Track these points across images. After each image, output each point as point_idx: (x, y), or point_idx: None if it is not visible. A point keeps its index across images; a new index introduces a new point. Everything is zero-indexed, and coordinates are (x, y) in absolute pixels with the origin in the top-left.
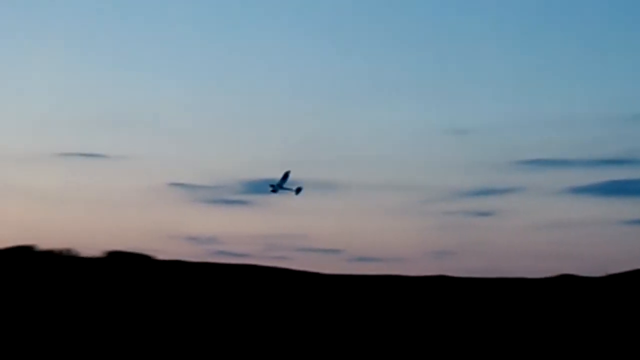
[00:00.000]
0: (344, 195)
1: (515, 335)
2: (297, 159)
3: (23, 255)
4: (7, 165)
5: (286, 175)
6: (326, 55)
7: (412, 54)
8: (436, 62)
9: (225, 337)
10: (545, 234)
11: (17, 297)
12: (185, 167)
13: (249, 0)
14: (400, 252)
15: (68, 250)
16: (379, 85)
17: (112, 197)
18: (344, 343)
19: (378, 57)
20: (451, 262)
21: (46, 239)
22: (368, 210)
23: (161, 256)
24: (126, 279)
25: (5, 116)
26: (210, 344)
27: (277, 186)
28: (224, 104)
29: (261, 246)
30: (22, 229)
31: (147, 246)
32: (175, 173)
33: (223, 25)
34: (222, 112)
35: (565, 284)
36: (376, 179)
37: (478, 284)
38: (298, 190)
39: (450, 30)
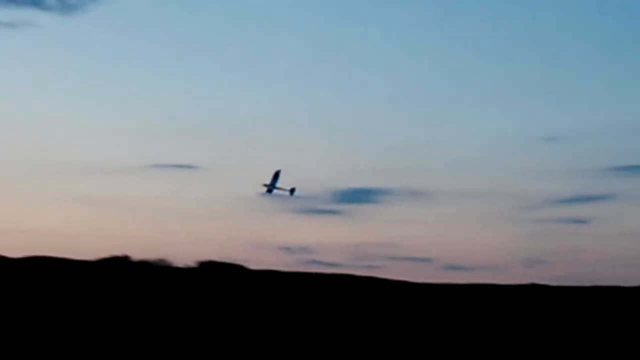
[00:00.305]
0: (435, 204)
1: (610, 344)
2: (388, 167)
3: (118, 265)
4: (103, 177)
5: (277, 175)
6: (419, 64)
7: (505, 62)
8: (529, 69)
9: (318, 345)
10: None
11: (112, 306)
12: None
13: (341, 7)
14: (491, 261)
15: (162, 261)
16: (471, 93)
17: (205, 208)
18: (436, 351)
19: (470, 66)
20: (543, 271)
21: (140, 250)
22: (459, 219)
23: (253, 266)
24: (219, 289)
25: (101, 130)
26: (303, 351)
27: (272, 186)
28: (316, 113)
29: (352, 255)
30: (117, 239)
31: (239, 256)
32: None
33: (314, 33)
34: (314, 122)
35: None
36: (467, 186)
37: (571, 293)
38: (292, 191)
39: (543, 38)
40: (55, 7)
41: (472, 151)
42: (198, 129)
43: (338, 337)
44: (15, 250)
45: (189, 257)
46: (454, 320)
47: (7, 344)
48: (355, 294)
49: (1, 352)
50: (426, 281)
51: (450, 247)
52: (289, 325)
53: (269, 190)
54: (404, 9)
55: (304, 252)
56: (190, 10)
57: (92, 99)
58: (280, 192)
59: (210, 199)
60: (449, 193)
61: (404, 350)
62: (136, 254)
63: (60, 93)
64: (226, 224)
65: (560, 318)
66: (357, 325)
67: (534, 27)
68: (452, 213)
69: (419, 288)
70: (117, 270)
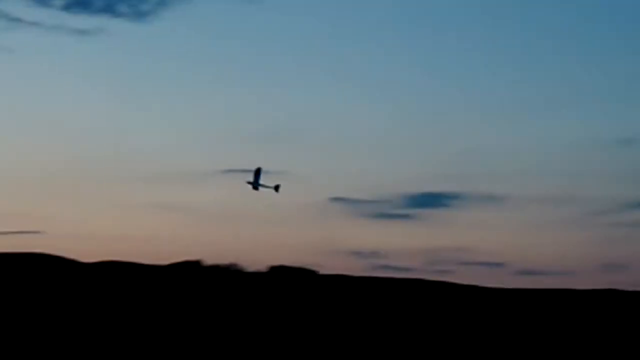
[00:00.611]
0: (508, 208)
1: None
2: (460, 172)
3: (190, 270)
4: (175, 182)
5: (258, 172)
6: (487, 67)
7: (580, 65)
8: (600, 72)
9: (390, 349)
10: None
11: (185, 310)
12: (346, 181)
13: (405, 13)
14: (566, 265)
15: (233, 265)
16: (541, 96)
17: (275, 213)
18: (510, 356)
19: (539, 69)
20: (621, 276)
21: (212, 254)
22: (533, 223)
23: (324, 271)
24: (289, 293)
25: (174, 136)
26: (376, 355)
27: (256, 183)
28: (386, 117)
29: (424, 260)
30: (189, 244)
31: (310, 261)
32: (336, 188)
33: (383, 36)
34: (384, 126)
35: None
36: (540, 191)
37: None
38: (277, 188)
39: (618, 41)
40: (128, 14)
41: (546, 155)
42: (270, 134)
43: (410, 341)
44: (91, 254)
45: (260, 261)
46: (528, 325)
47: (82, 345)
48: (427, 298)
49: (75, 354)
50: (499, 286)
51: (524, 251)
52: (360, 329)
53: (255, 188)
54: (475, 14)
55: (375, 256)
56: (264, 13)
57: (165, 105)
58: (266, 189)
59: (282, 204)
60: (522, 197)
61: (478, 355)
62: (208, 259)
63: (133, 99)
64: (297, 229)
65: (638, 323)
66: (430, 330)
67: (609, 29)
68: (525, 217)
69: (492, 293)
70: (190, 275)
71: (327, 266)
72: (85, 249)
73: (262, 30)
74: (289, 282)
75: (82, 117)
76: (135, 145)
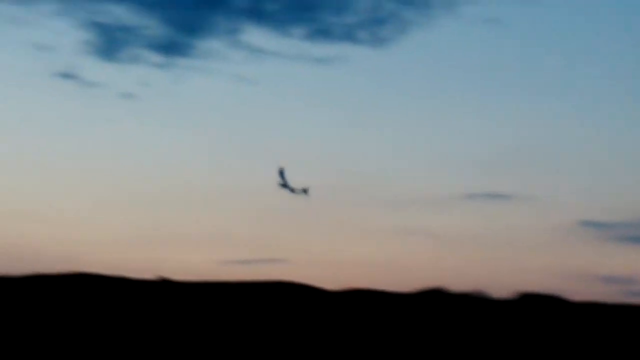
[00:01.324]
0: None
1: None
2: None
3: (435, 297)
4: (415, 208)
5: (282, 172)
6: None
7: None
8: None
9: None
10: None
11: (428, 338)
12: (597, 204)
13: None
14: None
15: (479, 292)
16: None
17: (520, 237)
18: None
19: None
20: None
21: (455, 281)
22: None
23: (573, 297)
24: (539, 321)
25: (411, 161)
26: None
27: (284, 183)
28: (635, 136)
29: None
30: (433, 271)
31: (558, 287)
32: (586, 211)
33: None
34: (633, 145)
35: None
36: None
37: None
38: (305, 191)
39: None
40: (368, 41)
41: None
42: (510, 157)
43: None
44: (334, 282)
45: (506, 288)
46: None
47: None
48: None
49: None
50: None
51: None
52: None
53: (284, 186)
54: None
55: (629, 283)
56: (504, 37)
57: (405, 129)
58: (292, 190)
59: (527, 229)
60: None
61: None
62: (452, 285)
63: (373, 125)
64: (544, 255)
65: None
66: None
67: None
68: None
69: None
70: (434, 302)
71: (576, 292)
72: (328, 276)
73: (502, 53)
74: (537, 309)
75: (321, 144)
76: (376, 171)
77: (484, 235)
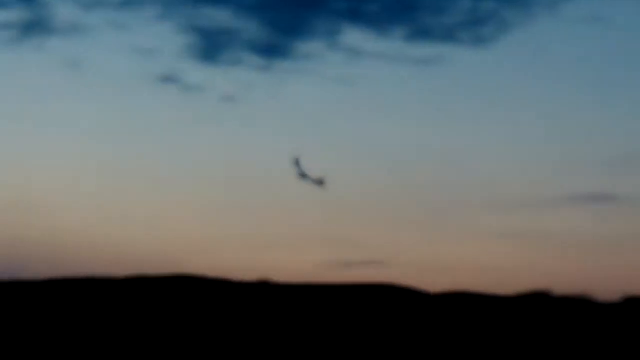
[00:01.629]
0: None
1: None
2: None
3: (539, 301)
4: (522, 210)
5: (297, 162)
6: None
7: None
8: None
9: None
10: None
11: (533, 342)
12: None
13: None
14: None
15: (584, 296)
16: None
17: (626, 239)
18: None
19: None
20: None
21: (561, 284)
22: None
23: None
24: None
25: (516, 163)
26: None
27: (301, 173)
28: None
29: None
30: (537, 274)
31: None
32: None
33: None
34: None
35: None
36: None
37: None
38: (321, 182)
39: None
40: (468, 41)
41: None
42: (617, 158)
43: None
44: (434, 284)
45: (612, 292)
46: None
47: None
48: None
49: None
50: None
51: None
52: None
53: (303, 177)
54: None
55: None
56: (610, 34)
57: (506, 129)
58: (311, 181)
59: (633, 231)
60: None
61: None
62: (557, 289)
63: (474, 126)
64: None
65: None
66: None
67: None
68: None
69: None
70: (538, 305)
71: None
72: (429, 278)
73: (606, 52)
74: None
75: (422, 144)
76: (479, 173)
77: (588, 238)
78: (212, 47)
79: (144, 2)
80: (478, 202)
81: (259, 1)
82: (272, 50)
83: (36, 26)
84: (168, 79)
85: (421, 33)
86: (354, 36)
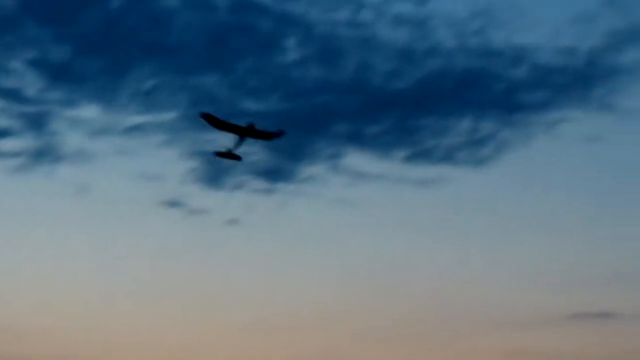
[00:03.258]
0: None
1: None
2: None
3: None
4: (520, 327)
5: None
6: None
7: None
8: None
9: None
10: None
11: None
12: None
13: None
14: None
15: None
16: None
17: (627, 357)
18: None
19: None
20: None
21: None
22: None
23: None
24: None
25: (518, 279)
26: None
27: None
28: None
29: None
30: None
31: None
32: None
33: None
34: None
35: None
36: None
37: None
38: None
39: None
40: (467, 161)
41: None
42: (619, 274)
43: None
44: None
45: None
46: None
47: None
48: None
49: None
50: None
51: None
52: None
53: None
54: None
55: None
56: (606, 152)
57: (507, 249)
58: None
59: (634, 347)
60: None
61: None
62: None
63: (473, 245)
64: None
65: None
66: None
67: None
68: None
69: None
70: None
71: None
72: None
73: (603, 172)
74: None
75: (422, 261)
76: (477, 290)
77: (591, 356)
78: (216, 171)
79: (149, 129)
80: (480, 321)
81: (261, 126)
82: (275, 174)
83: (46, 153)
84: (173, 203)
85: (421, 154)
86: (355, 158)
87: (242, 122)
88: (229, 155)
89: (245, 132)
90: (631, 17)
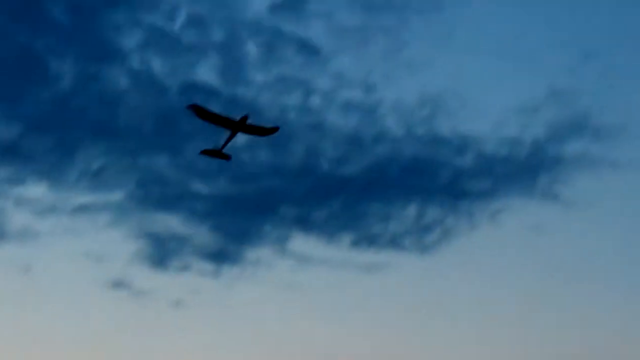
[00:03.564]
0: None
1: None
2: None
3: None
4: None
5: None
6: None
7: None
8: None
9: None
10: None
11: None
12: None
13: None
14: None
15: None
16: None
17: None
18: None
19: None
20: None
21: None
22: None
23: None
24: None
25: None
26: None
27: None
28: None
29: None
30: None
31: None
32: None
33: None
34: None
35: None
36: None
37: None
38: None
39: None
40: (412, 248)
41: None
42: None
43: None
44: None
45: None
46: None
47: None
48: None
49: None
50: None
51: None
52: None
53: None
54: None
55: None
56: (542, 242)
57: (450, 337)
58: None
59: None
60: None
61: None
62: None
63: (416, 331)
64: None
65: None
66: None
67: None
68: None
69: None
70: None
71: None
72: None
73: (544, 261)
74: None
75: (370, 348)
76: None
77: None
78: (162, 252)
79: (96, 209)
80: None
81: (209, 208)
82: (221, 256)
83: None
84: (118, 283)
85: (367, 239)
86: (302, 242)
87: (235, 115)
88: (217, 153)
89: (237, 127)
90: (574, 108)
